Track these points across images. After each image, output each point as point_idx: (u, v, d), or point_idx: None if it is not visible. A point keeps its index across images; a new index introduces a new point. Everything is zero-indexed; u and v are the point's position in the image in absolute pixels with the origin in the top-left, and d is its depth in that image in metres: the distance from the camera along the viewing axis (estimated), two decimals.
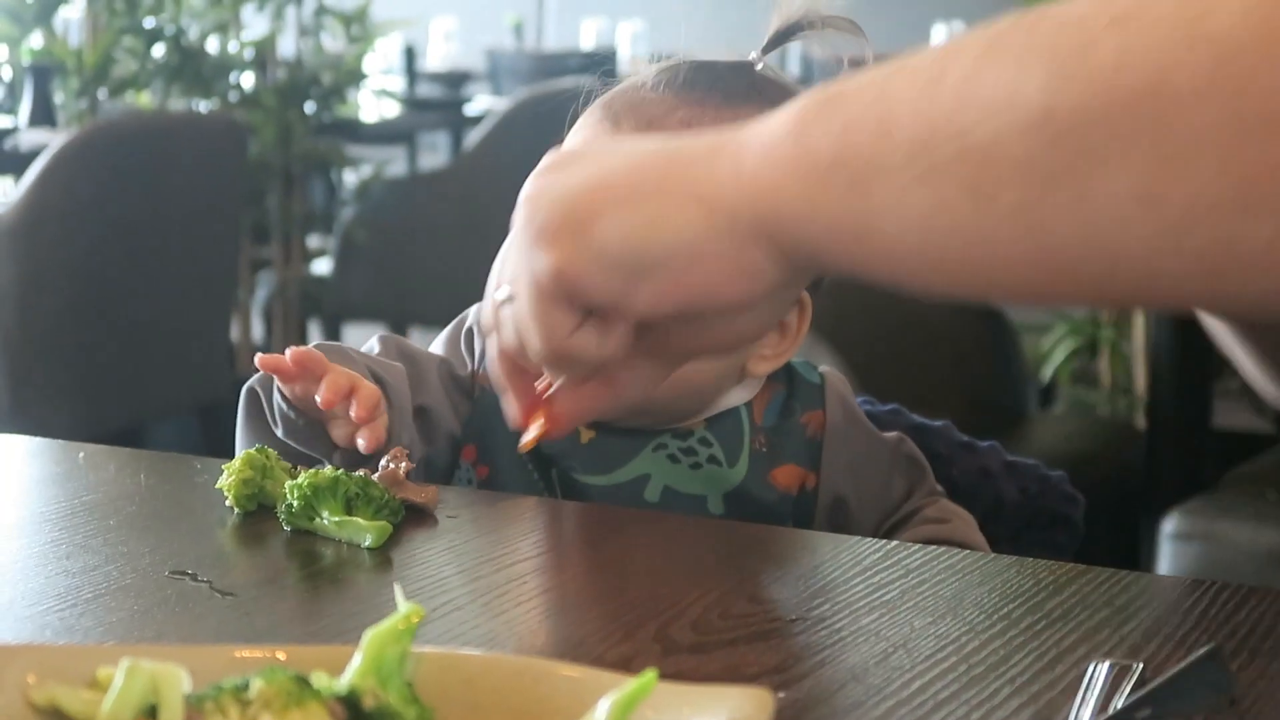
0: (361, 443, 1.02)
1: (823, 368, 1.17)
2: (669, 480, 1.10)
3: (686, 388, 1.08)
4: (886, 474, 1.15)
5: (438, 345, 1.17)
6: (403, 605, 0.61)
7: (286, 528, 0.96)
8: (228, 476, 1.00)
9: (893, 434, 1.17)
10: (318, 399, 1.01)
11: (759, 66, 1.09)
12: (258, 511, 0.99)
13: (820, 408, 1.14)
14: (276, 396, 1.05)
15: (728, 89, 1.07)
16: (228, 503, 1.00)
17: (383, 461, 1.03)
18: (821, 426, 1.13)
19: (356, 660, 0.61)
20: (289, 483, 0.97)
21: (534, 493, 1.11)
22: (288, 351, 1.02)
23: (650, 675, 0.59)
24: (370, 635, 0.61)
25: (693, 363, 0.95)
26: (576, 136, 1.09)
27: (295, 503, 0.96)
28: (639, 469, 1.11)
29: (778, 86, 1.08)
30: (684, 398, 1.10)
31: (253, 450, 1.01)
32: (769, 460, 1.12)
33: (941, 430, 1.23)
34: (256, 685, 0.58)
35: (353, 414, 1.02)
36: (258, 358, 1.03)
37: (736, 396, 1.13)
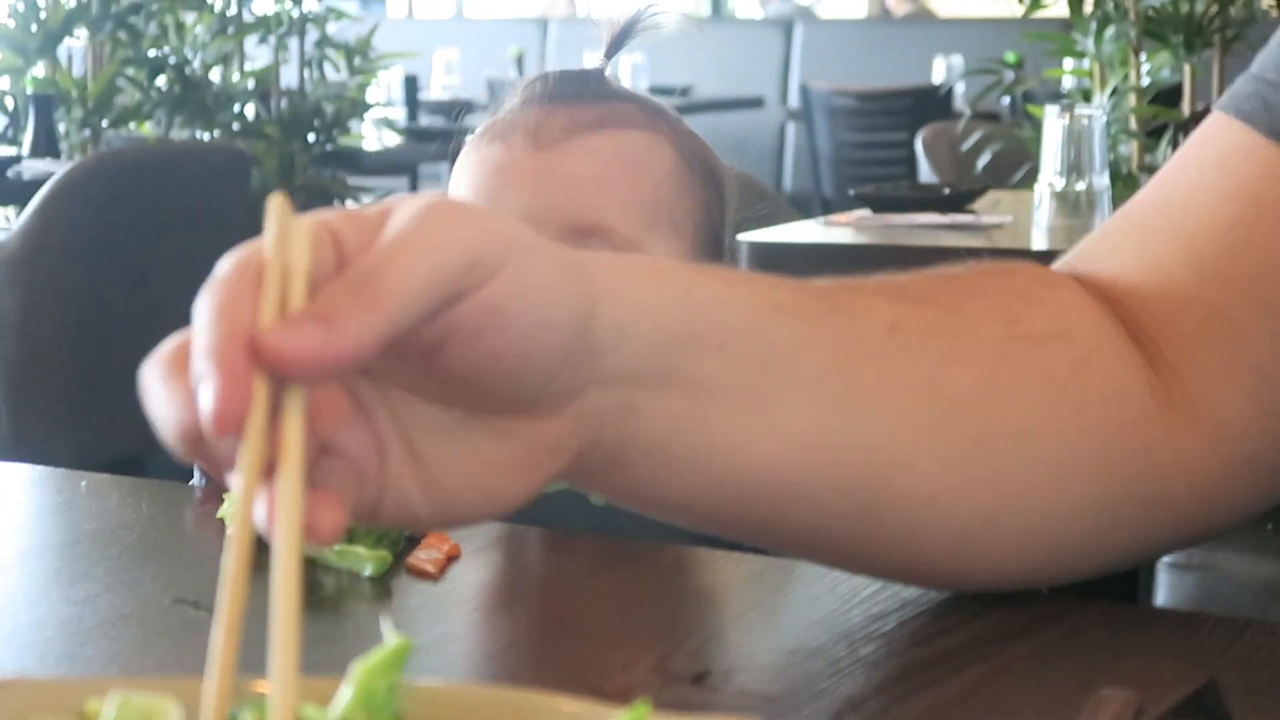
0: None
1: None
2: None
3: None
4: None
5: None
6: (390, 637, 0.61)
7: None
8: (230, 505, 1.00)
9: None
10: None
11: (607, 72, 1.20)
12: (259, 540, 1.00)
13: None
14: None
15: (586, 90, 1.17)
16: (230, 531, 1.00)
17: None
18: None
19: (344, 694, 0.60)
20: None
21: None
22: None
23: (643, 707, 0.59)
24: (358, 667, 0.61)
25: None
26: (460, 171, 1.16)
27: None
28: None
29: (620, 92, 1.19)
30: None
31: None
32: None
33: None
34: (246, 719, 0.58)
35: None
36: None
37: None
